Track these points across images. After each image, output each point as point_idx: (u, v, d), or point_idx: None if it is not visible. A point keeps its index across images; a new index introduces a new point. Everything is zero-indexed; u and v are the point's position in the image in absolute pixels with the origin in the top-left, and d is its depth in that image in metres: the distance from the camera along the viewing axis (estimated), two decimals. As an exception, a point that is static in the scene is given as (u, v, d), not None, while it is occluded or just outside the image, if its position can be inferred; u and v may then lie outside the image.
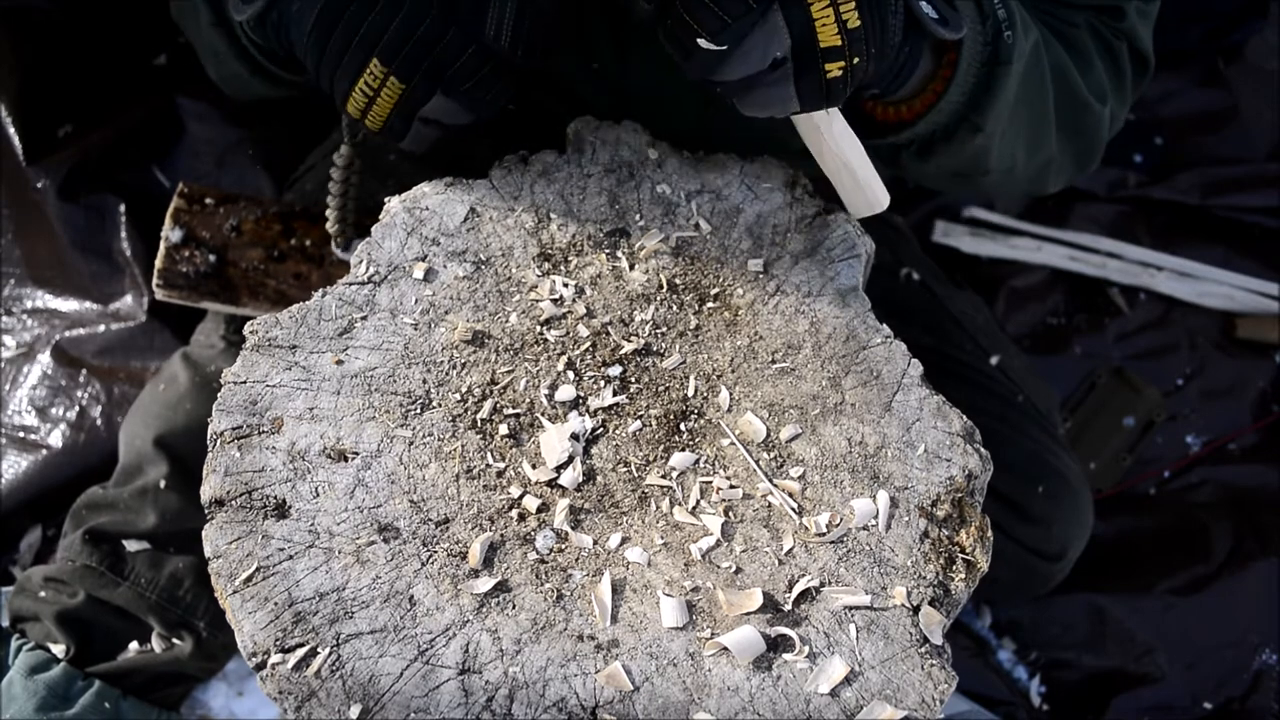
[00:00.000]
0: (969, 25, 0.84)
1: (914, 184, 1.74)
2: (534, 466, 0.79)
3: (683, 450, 0.81)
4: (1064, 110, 0.99)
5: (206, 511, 0.75)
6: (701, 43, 0.75)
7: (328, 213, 1.05)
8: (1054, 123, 0.99)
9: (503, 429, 0.81)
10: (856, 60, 0.76)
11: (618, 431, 0.82)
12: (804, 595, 0.74)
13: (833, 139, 0.86)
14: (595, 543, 0.76)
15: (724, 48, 0.75)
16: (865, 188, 0.90)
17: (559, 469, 0.79)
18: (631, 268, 0.90)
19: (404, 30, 0.78)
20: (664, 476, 0.79)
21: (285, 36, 0.85)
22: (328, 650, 0.70)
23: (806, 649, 0.71)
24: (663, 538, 0.77)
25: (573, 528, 0.77)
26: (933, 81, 0.89)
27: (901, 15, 0.79)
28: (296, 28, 0.82)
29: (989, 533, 0.77)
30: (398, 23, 0.78)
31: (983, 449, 0.81)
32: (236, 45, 0.95)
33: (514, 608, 0.73)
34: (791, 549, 0.76)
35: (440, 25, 0.79)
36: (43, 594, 1.23)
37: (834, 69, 0.76)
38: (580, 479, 0.79)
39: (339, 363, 0.82)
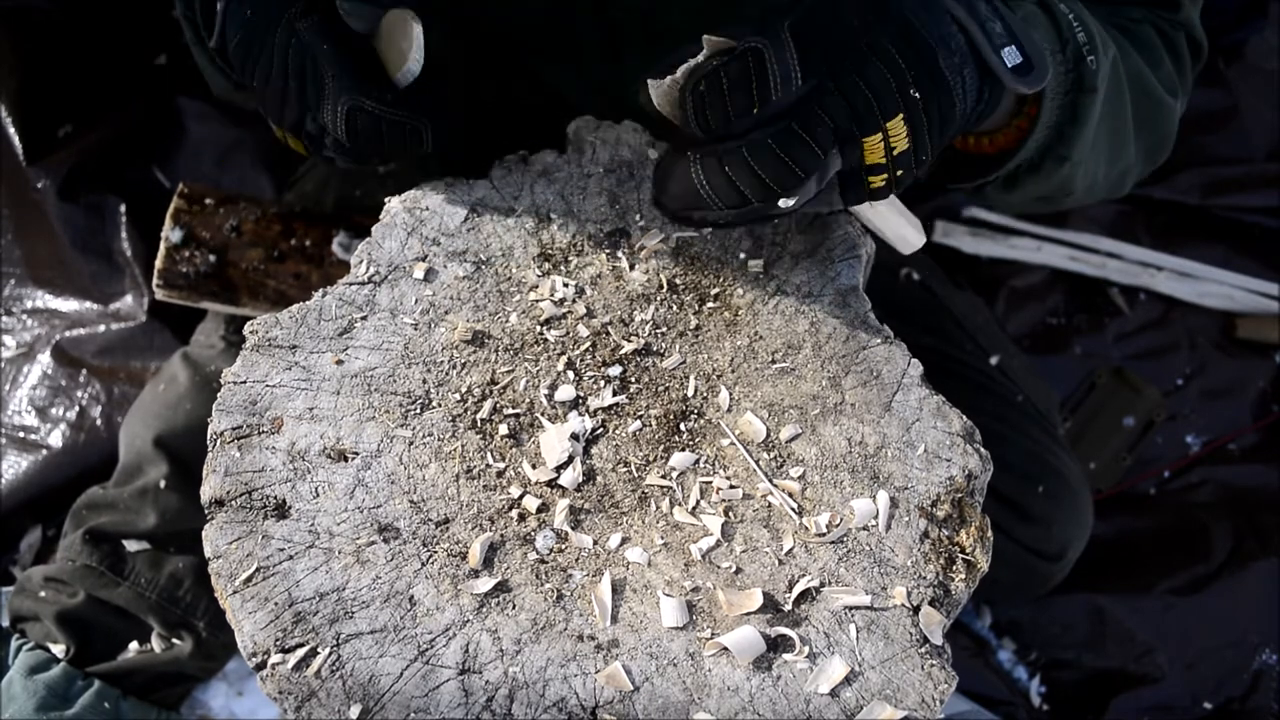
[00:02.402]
0: (1050, 60, 0.80)
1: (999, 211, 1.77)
2: (534, 466, 0.79)
3: (683, 450, 0.81)
4: (1141, 113, 0.97)
5: (206, 511, 0.75)
6: (783, 203, 0.74)
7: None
8: (1133, 130, 0.97)
9: (503, 429, 0.81)
10: (900, 173, 0.76)
11: (618, 431, 0.82)
12: (804, 595, 0.74)
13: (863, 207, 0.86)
14: (595, 543, 0.76)
15: (796, 200, 0.75)
16: (899, 240, 0.90)
17: (559, 469, 0.79)
18: (631, 268, 0.90)
19: (274, 106, 0.86)
20: (664, 476, 0.79)
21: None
22: (328, 650, 0.70)
23: (806, 649, 0.71)
24: (663, 538, 0.77)
25: (573, 528, 0.77)
26: (1017, 118, 0.86)
27: (974, 76, 0.75)
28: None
29: (989, 533, 0.77)
30: (268, 97, 0.86)
31: (983, 449, 0.80)
32: (214, 63, 0.98)
33: (514, 608, 0.73)
34: (791, 549, 0.76)
35: (298, 108, 0.85)
36: (43, 594, 1.23)
37: (877, 181, 0.76)
38: (580, 479, 0.79)
39: (339, 363, 0.82)
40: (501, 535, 0.76)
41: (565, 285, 0.88)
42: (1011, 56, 0.76)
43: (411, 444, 0.79)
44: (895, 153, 0.74)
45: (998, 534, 1.21)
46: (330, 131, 0.85)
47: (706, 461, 0.80)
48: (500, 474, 0.79)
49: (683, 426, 0.82)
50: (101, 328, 1.50)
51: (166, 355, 1.44)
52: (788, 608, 0.73)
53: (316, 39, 0.83)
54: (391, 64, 0.87)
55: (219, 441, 0.78)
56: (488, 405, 0.81)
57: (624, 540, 0.76)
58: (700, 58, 0.74)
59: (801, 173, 0.72)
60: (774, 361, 0.85)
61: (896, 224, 0.89)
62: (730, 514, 0.78)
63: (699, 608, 0.73)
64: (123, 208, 1.51)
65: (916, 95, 0.72)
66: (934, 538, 0.76)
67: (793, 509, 0.77)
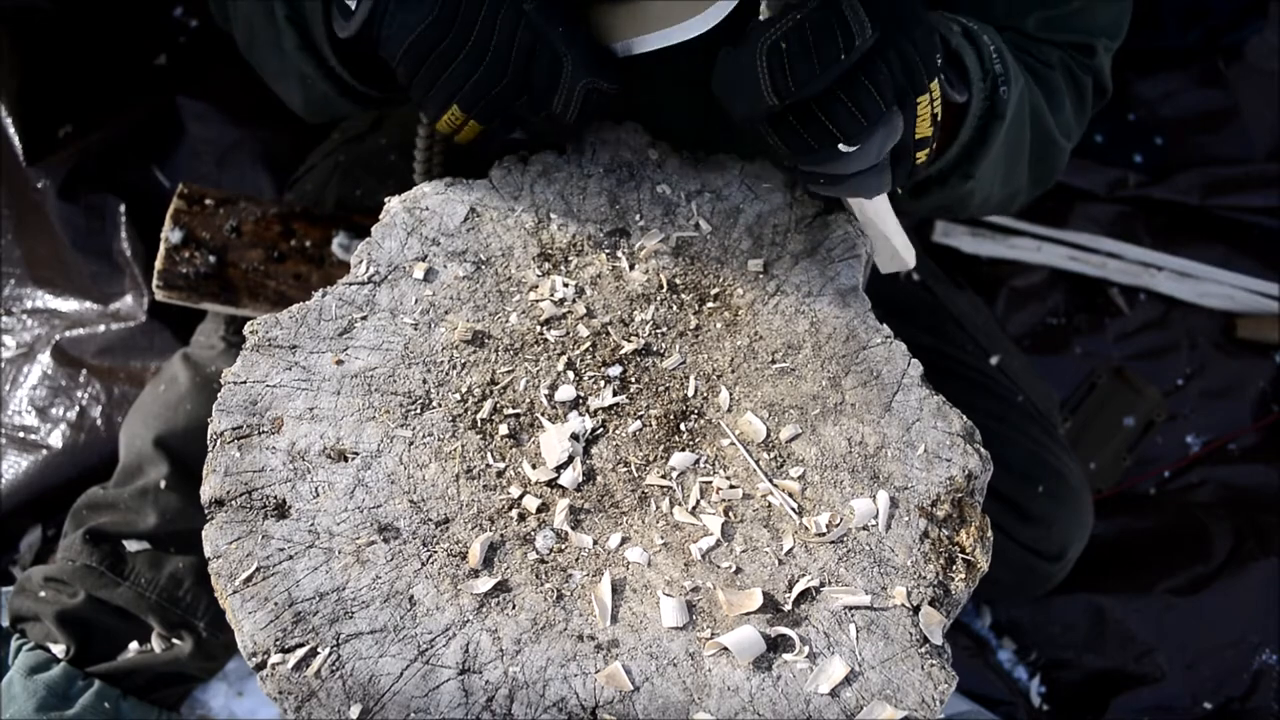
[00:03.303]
0: (974, 83, 0.87)
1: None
2: (534, 466, 0.79)
3: (683, 450, 0.81)
4: (1035, 147, 1.04)
5: (206, 511, 0.75)
6: (841, 148, 0.77)
7: (415, 164, 1.07)
8: (1027, 159, 1.04)
9: (503, 429, 0.81)
10: (935, 145, 0.82)
11: (618, 431, 0.82)
12: (804, 595, 0.74)
13: (873, 207, 0.90)
14: (595, 543, 0.76)
15: (856, 148, 0.77)
16: (903, 250, 0.95)
17: (559, 469, 0.79)
18: (631, 268, 0.90)
19: (481, 90, 0.83)
20: (664, 476, 0.79)
21: (380, 51, 0.86)
22: (328, 650, 0.70)
23: (806, 649, 0.71)
24: (663, 538, 0.77)
25: (573, 528, 0.77)
26: None
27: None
28: (388, 48, 0.84)
29: (989, 533, 0.77)
30: (476, 81, 0.83)
31: (983, 449, 0.81)
32: (324, 66, 0.96)
33: (514, 608, 0.73)
34: (791, 549, 0.76)
35: (514, 91, 0.84)
36: (43, 594, 1.23)
37: (922, 155, 0.82)
38: (580, 479, 0.79)
39: (339, 363, 0.82)
40: (501, 535, 0.76)
41: (565, 285, 0.88)
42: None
43: (411, 444, 0.79)
44: (939, 120, 0.79)
45: (998, 534, 1.21)
46: (560, 113, 0.85)
47: (706, 461, 0.80)
48: (500, 474, 0.79)
49: (683, 426, 0.82)
50: (101, 328, 1.49)
51: (166, 355, 1.44)
52: (788, 608, 0.73)
53: (548, 20, 0.83)
54: (631, 25, 0.86)
55: (219, 441, 0.78)
56: (488, 405, 0.81)
57: (624, 540, 0.76)
58: (762, 17, 0.75)
59: (865, 120, 0.75)
60: (774, 361, 0.85)
61: (897, 237, 0.93)
62: (730, 514, 0.78)
63: (699, 608, 0.73)
64: (123, 208, 1.51)
65: (939, 66, 0.78)
66: (934, 538, 0.76)
67: (793, 509, 0.77)
